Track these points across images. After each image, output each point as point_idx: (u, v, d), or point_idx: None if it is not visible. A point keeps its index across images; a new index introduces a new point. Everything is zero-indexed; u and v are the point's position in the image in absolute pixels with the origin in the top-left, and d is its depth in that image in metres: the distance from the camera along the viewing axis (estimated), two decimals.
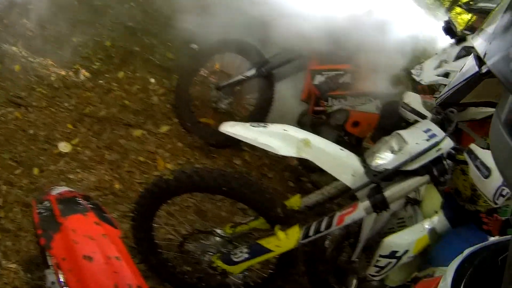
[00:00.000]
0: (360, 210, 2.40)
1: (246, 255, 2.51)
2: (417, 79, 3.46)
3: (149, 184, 2.63)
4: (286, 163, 4.60)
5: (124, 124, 4.28)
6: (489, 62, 0.77)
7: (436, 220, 2.49)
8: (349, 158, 2.47)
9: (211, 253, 2.71)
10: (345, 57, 3.90)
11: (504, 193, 2.15)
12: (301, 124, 4.41)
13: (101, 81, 4.77)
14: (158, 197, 2.61)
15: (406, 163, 2.32)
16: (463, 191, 2.54)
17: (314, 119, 4.24)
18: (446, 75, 2.91)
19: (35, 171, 3.47)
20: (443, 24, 3.97)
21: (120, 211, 3.32)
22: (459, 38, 3.66)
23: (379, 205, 2.38)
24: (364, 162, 2.46)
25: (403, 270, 2.58)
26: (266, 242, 2.49)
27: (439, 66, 3.42)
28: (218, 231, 2.77)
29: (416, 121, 2.99)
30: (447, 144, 2.35)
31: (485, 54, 0.82)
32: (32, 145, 3.70)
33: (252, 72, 4.22)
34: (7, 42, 4.70)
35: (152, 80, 4.93)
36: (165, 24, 5.39)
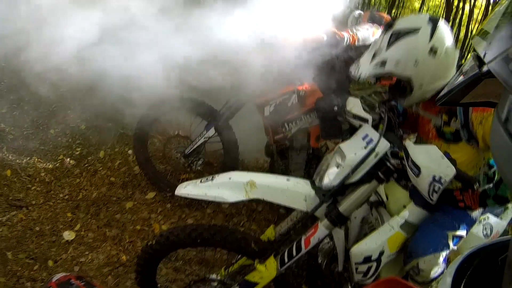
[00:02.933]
0: (321, 229, 2.53)
1: None
2: (356, 76, 3.62)
3: (140, 253, 2.91)
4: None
5: (116, 200, 4.67)
6: (489, 62, 0.77)
7: (407, 213, 2.55)
8: (297, 186, 2.61)
9: None
10: (284, 80, 3.93)
11: (436, 189, 2.22)
12: (269, 154, 4.66)
13: (86, 165, 5.20)
14: (150, 261, 2.89)
15: (348, 176, 2.46)
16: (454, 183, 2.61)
17: (279, 147, 4.37)
18: (383, 63, 3.13)
19: (50, 263, 3.88)
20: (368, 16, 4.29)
21: (132, 279, 3.71)
22: (387, 24, 3.96)
23: (337, 220, 2.49)
24: (313, 184, 2.62)
25: (395, 265, 2.66)
26: (251, 277, 2.62)
27: (373, 57, 3.74)
28: (213, 276, 2.95)
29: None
30: (383, 146, 2.46)
31: (485, 54, 0.82)
32: (41, 240, 4.11)
33: (211, 132, 4.35)
34: None
35: (130, 152, 5.31)
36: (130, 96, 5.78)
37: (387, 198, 2.75)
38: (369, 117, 2.95)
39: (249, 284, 2.63)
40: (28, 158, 5.16)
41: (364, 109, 3.22)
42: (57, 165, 5.16)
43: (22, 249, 4.01)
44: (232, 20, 3.43)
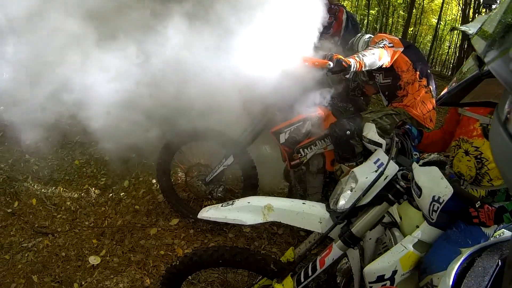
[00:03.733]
0: (335, 249, 2.60)
1: None
2: (470, 32, 3.56)
3: (164, 273, 3.01)
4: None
5: (140, 227, 4.72)
6: (489, 62, 0.77)
7: (420, 232, 2.54)
8: (313, 208, 2.71)
9: None
10: (299, 108, 4.00)
11: (435, 208, 2.28)
12: (287, 179, 4.69)
13: (111, 194, 5.28)
14: (173, 281, 2.98)
15: (360, 199, 2.51)
16: (467, 172, 2.72)
17: (297, 172, 4.37)
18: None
19: (75, 286, 3.92)
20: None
21: None
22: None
23: (350, 240, 2.55)
24: (328, 207, 2.70)
25: (409, 283, 2.59)
26: None
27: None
28: None
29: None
30: (392, 169, 2.52)
31: (485, 54, 0.82)
32: (67, 265, 4.15)
33: (230, 160, 4.39)
34: (18, 180, 5.26)
35: (154, 181, 5.39)
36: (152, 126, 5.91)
37: (400, 219, 2.74)
38: (383, 141, 3.08)
39: None
40: (54, 187, 5.25)
41: (378, 134, 3.37)
42: (82, 194, 5.24)
43: (48, 273, 4.06)
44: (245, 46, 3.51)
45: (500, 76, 0.70)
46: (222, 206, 2.76)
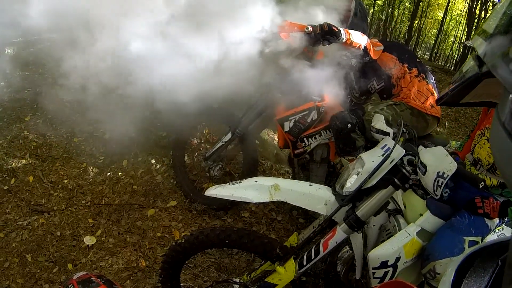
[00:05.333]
0: (339, 232, 2.61)
1: None
2: None
3: (167, 250, 3.00)
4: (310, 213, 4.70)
5: (138, 207, 4.66)
6: (489, 62, 0.77)
7: (424, 221, 2.57)
8: (319, 191, 2.72)
9: None
10: (305, 95, 3.95)
11: (440, 183, 2.29)
12: (292, 166, 4.65)
13: (109, 173, 5.20)
14: (177, 260, 2.98)
15: (365, 181, 2.51)
16: (486, 158, 2.71)
17: (300, 160, 4.37)
18: None
19: (70, 266, 3.89)
20: None
21: (150, 284, 3.71)
22: None
23: (355, 224, 2.56)
24: (335, 191, 2.69)
25: (412, 272, 2.64)
26: (271, 279, 2.75)
27: None
28: (236, 279, 3.04)
29: None
30: (398, 153, 2.51)
31: (484, 54, 0.82)
32: (61, 244, 4.12)
33: (228, 136, 4.41)
34: (16, 156, 5.18)
35: (153, 161, 5.32)
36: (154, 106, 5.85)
37: (404, 207, 2.75)
38: (390, 130, 3.08)
39: (268, 285, 2.74)
40: (51, 165, 5.18)
41: (387, 124, 3.33)
42: (80, 172, 5.17)
43: (42, 252, 4.02)
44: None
45: (500, 76, 0.70)
46: (229, 184, 2.80)
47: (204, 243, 2.86)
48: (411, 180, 2.51)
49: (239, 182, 2.79)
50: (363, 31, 5.14)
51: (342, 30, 3.59)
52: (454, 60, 28.35)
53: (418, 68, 3.98)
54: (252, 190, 2.72)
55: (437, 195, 2.34)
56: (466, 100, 1.24)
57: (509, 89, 0.66)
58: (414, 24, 22.05)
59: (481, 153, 2.79)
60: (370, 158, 2.62)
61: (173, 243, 2.96)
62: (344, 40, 3.61)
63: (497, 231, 2.79)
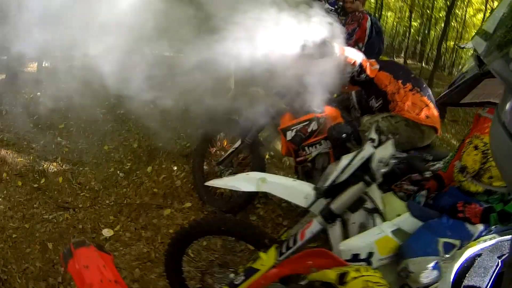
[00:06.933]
0: (315, 223, 2.78)
1: (243, 277, 2.91)
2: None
3: (174, 234, 3.32)
4: (299, 210, 4.82)
5: (156, 207, 4.98)
6: (489, 62, 0.77)
7: (401, 221, 2.67)
8: (301, 185, 3.01)
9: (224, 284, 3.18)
10: (308, 106, 4.14)
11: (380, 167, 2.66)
12: (297, 174, 4.74)
13: (133, 178, 5.54)
14: (180, 243, 3.27)
15: (337, 177, 2.74)
16: (472, 165, 2.73)
17: (304, 168, 4.51)
18: None
19: None
20: None
21: (156, 273, 3.98)
22: None
23: (328, 216, 2.74)
24: (315, 187, 2.90)
25: (391, 272, 2.64)
26: (254, 264, 2.89)
27: None
28: (231, 269, 3.32)
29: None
30: (368, 151, 2.74)
31: (485, 54, 0.81)
32: (81, 235, 4.44)
33: (238, 143, 4.76)
34: (48, 159, 5.61)
35: (175, 168, 5.62)
36: (180, 118, 6.23)
37: (385, 207, 2.87)
38: (375, 136, 3.12)
39: (252, 270, 2.88)
40: (81, 168, 5.57)
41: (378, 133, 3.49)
42: (107, 176, 5.53)
43: (63, 242, 4.35)
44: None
45: (500, 76, 0.70)
46: (226, 177, 3.37)
47: (204, 229, 3.15)
48: (380, 179, 2.71)
49: (233, 175, 3.23)
50: (379, 49, 5.38)
51: (336, 45, 3.82)
52: None
53: (412, 83, 4.12)
54: (242, 181, 3.07)
55: (377, 180, 2.64)
56: (466, 100, 1.28)
57: (509, 89, 0.69)
58: (450, 45, 21.86)
59: (468, 160, 2.83)
60: (346, 157, 2.85)
61: (180, 228, 3.27)
62: (337, 54, 3.83)
63: (487, 240, 2.90)
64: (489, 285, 1.11)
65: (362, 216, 2.82)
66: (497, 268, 1.15)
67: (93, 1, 3.59)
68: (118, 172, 5.64)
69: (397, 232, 2.63)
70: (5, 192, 4.95)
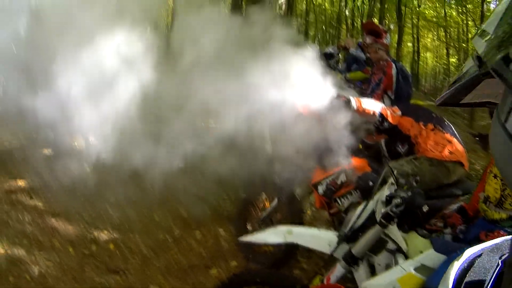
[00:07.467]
0: (338, 267, 2.97)
1: None
2: None
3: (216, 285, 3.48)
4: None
5: (203, 268, 5.12)
6: (489, 62, 0.76)
7: (424, 257, 2.64)
8: (324, 233, 3.24)
9: None
10: (334, 160, 4.23)
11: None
12: (334, 224, 4.87)
13: (182, 243, 5.70)
14: None
15: (355, 222, 2.98)
16: (493, 194, 2.82)
17: (338, 219, 4.58)
18: None
19: None
20: None
21: None
22: None
23: (350, 260, 2.91)
24: (338, 234, 3.09)
25: None
26: None
27: None
28: None
29: None
30: (380, 194, 2.92)
31: (485, 54, 0.81)
32: None
33: (275, 202, 5.07)
34: (97, 228, 5.85)
35: (221, 231, 5.82)
36: (226, 185, 6.46)
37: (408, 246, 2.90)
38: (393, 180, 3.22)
39: None
40: (131, 235, 5.74)
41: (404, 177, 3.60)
42: (157, 243, 5.70)
43: None
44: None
45: (500, 76, 0.70)
46: (256, 233, 3.57)
47: (241, 281, 3.32)
48: (396, 219, 2.76)
49: (264, 230, 3.49)
50: (408, 94, 5.49)
51: (353, 99, 4.02)
52: None
53: (434, 122, 4.27)
54: (270, 234, 3.36)
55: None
56: (466, 100, 1.25)
57: (509, 89, 0.68)
58: None
59: (489, 190, 2.89)
60: (364, 203, 3.08)
61: (219, 283, 3.43)
62: (355, 107, 4.01)
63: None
64: (489, 285, 1.06)
65: (386, 257, 2.90)
66: (498, 268, 1.08)
67: None
68: (168, 237, 5.79)
69: (421, 268, 2.61)
70: (57, 259, 5.13)
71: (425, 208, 2.75)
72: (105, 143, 4.35)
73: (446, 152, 4.11)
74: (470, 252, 1.26)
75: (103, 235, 5.68)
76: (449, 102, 1.29)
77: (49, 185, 6.13)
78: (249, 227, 5.43)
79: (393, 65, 5.83)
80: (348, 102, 3.98)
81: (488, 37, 0.83)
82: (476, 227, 2.87)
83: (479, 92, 1.12)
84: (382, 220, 2.76)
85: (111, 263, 5.17)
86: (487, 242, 1.31)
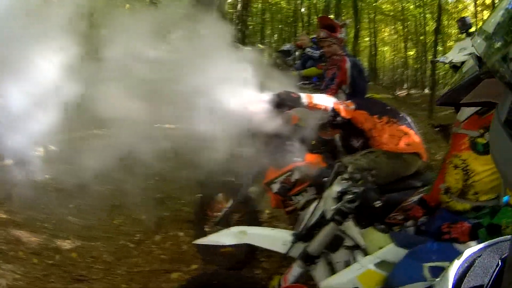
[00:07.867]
0: (295, 268, 2.93)
1: None
2: (447, 61, 4.19)
3: None
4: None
5: (164, 272, 5.29)
6: (489, 62, 0.76)
7: (384, 252, 2.68)
8: (279, 233, 3.26)
9: None
10: (287, 157, 4.32)
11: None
12: (291, 224, 4.94)
13: (143, 247, 5.88)
14: None
15: (308, 220, 2.97)
16: (455, 184, 2.85)
17: (295, 217, 4.57)
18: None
19: None
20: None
21: None
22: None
23: (306, 259, 2.88)
24: (293, 233, 3.08)
25: None
26: None
27: (459, 52, 4.31)
28: None
29: None
30: (333, 191, 2.85)
31: (484, 54, 0.81)
32: None
33: (231, 203, 5.02)
34: (60, 237, 5.95)
35: (181, 234, 6.01)
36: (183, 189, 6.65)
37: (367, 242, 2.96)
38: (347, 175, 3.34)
39: None
40: (93, 243, 5.89)
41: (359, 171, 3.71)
42: (118, 248, 5.86)
43: None
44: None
45: (500, 76, 0.70)
46: (210, 235, 3.61)
47: (200, 284, 3.28)
48: (350, 215, 2.76)
49: (218, 232, 3.53)
50: (364, 88, 5.62)
51: (303, 95, 4.08)
52: None
53: (389, 115, 4.33)
54: (225, 236, 3.38)
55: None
56: (466, 100, 1.21)
57: (509, 89, 0.68)
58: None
59: (450, 181, 2.94)
60: (316, 201, 3.09)
61: (179, 285, 3.48)
62: (306, 103, 4.08)
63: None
64: (489, 285, 1.05)
65: (344, 255, 2.92)
66: (497, 268, 1.08)
67: None
68: (129, 243, 5.97)
69: (382, 264, 2.65)
70: (22, 269, 5.25)
71: (378, 204, 2.69)
72: (61, 152, 4.47)
73: (402, 144, 4.16)
74: (469, 252, 1.21)
75: (66, 244, 5.80)
76: (449, 102, 1.29)
77: (11, 196, 6.22)
78: (206, 229, 5.56)
79: (347, 60, 5.83)
80: (298, 98, 4.02)
81: (488, 37, 0.83)
82: (438, 219, 2.90)
83: (479, 92, 1.10)
84: (336, 217, 2.73)
85: (75, 272, 5.30)
86: (487, 242, 1.26)
